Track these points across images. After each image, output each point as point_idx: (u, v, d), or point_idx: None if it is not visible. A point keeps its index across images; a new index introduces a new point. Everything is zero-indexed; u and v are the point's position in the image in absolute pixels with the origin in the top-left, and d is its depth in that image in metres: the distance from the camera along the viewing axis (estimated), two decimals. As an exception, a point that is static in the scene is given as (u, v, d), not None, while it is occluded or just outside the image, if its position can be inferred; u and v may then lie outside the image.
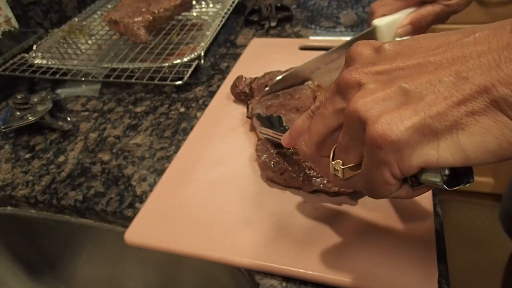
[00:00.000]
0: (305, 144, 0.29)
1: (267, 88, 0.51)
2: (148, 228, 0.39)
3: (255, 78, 0.55)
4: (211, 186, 0.43)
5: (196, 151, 0.48)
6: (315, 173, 0.40)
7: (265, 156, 0.42)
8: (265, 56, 0.67)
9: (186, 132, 0.53)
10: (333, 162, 0.27)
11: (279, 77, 0.50)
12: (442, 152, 0.20)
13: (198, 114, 0.56)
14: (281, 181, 0.41)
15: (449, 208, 1.47)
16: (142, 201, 0.44)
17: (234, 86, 0.56)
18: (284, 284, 0.34)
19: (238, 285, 0.40)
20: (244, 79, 0.55)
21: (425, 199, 0.38)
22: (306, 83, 0.52)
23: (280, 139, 0.37)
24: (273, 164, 0.41)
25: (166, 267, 0.49)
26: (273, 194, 0.41)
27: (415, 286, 0.31)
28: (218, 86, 0.62)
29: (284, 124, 0.43)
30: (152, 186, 0.45)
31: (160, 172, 0.47)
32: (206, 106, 0.58)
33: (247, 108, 0.52)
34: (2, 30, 0.70)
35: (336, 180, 0.28)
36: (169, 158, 0.49)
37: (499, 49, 0.19)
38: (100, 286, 0.57)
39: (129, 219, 0.43)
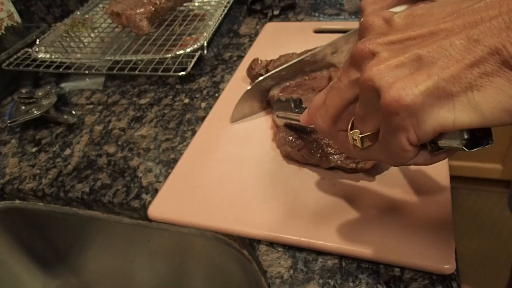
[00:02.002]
0: (322, 118, 0.29)
1: (280, 68, 0.50)
2: (170, 204, 0.41)
3: (271, 61, 0.55)
4: (230, 164, 0.44)
5: (214, 131, 0.49)
6: (332, 150, 0.40)
7: (284, 132, 0.43)
8: (280, 40, 0.67)
9: (191, 123, 0.53)
10: (351, 132, 0.27)
11: (296, 59, 0.50)
12: (459, 114, 0.20)
13: (203, 104, 0.56)
14: (299, 157, 0.42)
15: (458, 195, 1.46)
16: (148, 192, 0.44)
17: (250, 69, 0.56)
18: (291, 271, 0.34)
19: (246, 273, 0.40)
20: (260, 61, 0.56)
21: (441, 174, 0.39)
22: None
23: (298, 120, 0.37)
24: (291, 140, 0.42)
25: (175, 257, 0.49)
26: (291, 171, 0.42)
27: (432, 258, 0.32)
28: (222, 77, 0.62)
29: (302, 105, 0.42)
30: (158, 177, 0.45)
31: (165, 163, 0.47)
32: (210, 96, 0.58)
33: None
34: (5, 25, 0.70)
35: (356, 151, 0.28)
36: (174, 149, 0.49)
37: (509, 12, 0.19)
38: (110, 278, 0.57)
39: (136, 210, 0.43)
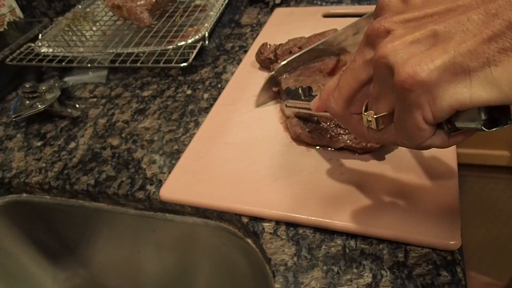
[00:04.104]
0: (335, 101, 0.28)
1: (289, 59, 0.50)
2: (182, 185, 0.41)
3: (280, 45, 0.56)
4: (239, 147, 0.45)
5: (224, 115, 0.50)
6: (342, 131, 0.41)
7: (294, 114, 0.44)
8: (289, 24, 0.68)
9: (194, 114, 0.53)
10: (365, 114, 0.26)
11: (305, 50, 0.50)
12: (476, 90, 0.19)
13: (205, 95, 0.56)
14: (308, 139, 0.42)
15: (464, 182, 1.45)
16: (152, 183, 0.44)
17: (259, 53, 0.56)
18: (295, 258, 0.34)
19: (251, 261, 0.41)
20: (268, 46, 0.56)
21: (449, 155, 0.39)
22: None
23: (308, 108, 0.37)
24: (301, 122, 0.42)
25: (180, 247, 0.49)
26: (299, 153, 0.43)
27: (438, 235, 0.32)
28: (224, 67, 0.62)
29: (313, 93, 0.42)
30: (161, 168, 0.45)
31: (169, 154, 0.47)
32: (212, 87, 0.58)
33: (271, 71, 0.52)
34: (7, 20, 0.70)
35: (370, 134, 0.27)
36: (177, 140, 0.49)
37: None
38: (118, 268, 0.58)
39: (141, 201, 0.44)
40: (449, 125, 0.23)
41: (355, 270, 0.32)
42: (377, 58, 0.23)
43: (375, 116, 0.25)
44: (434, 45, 0.21)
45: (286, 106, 0.45)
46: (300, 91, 0.43)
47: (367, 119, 0.26)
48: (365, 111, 0.27)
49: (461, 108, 0.21)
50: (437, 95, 0.20)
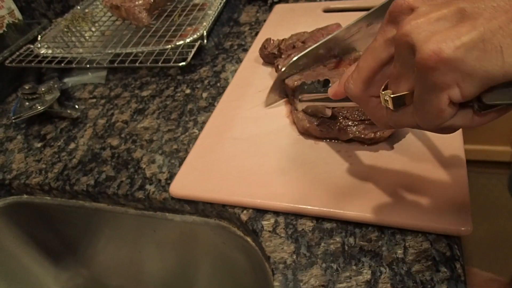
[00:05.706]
0: (353, 81, 0.27)
1: (298, 56, 0.49)
2: (191, 181, 0.42)
3: (283, 40, 0.56)
4: (247, 141, 0.45)
5: (229, 111, 0.50)
6: (350, 122, 0.41)
7: (302, 110, 0.44)
8: (290, 20, 0.68)
9: (193, 113, 0.53)
10: (383, 92, 0.25)
11: (318, 43, 0.48)
12: (509, 65, 0.19)
13: (204, 94, 0.56)
14: (317, 132, 0.42)
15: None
16: (152, 183, 0.44)
17: (262, 48, 0.57)
18: (294, 256, 0.34)
19: (250, 259, 0.41)
20: (272, 41, 0.57)
21: (456, 145, 0.39)
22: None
23: (324, 99, 0.37)
24: (309, 115, 0.42)
25: (181, 247, 0.50)
26: (307, 146, 0.43)
27: (450, 222, 0.33)
28: (223, 66, 0.62)
29: (330, 85, 0.41)
30: (161, 167, 0.46)
31: (168, 154, 0.47)
32: (211, 86, 0.58)
33: (275, 67, 0.53)
34: (6, 22, 0.70)
35: (388, 116, 0.26)
36: (176, 140, 0.49)
37: None
38: (120, 268, 0.58)
39: (141, 201, 0.44)
40: (479, 102, 0.21)
41: (354, 267, 0.32)
42: (399, 35, 0.22)
43: (392, 96, 0.24)
44: (461, 22, 0.20)
45: (300, 100, 0.44)
46: (316, 84, 0.42)
47: (384, 99, 0.25)
48: (384, 90, 0.26)
49: (494, 83, 0.20)
50: (466, 72, 0.19)
